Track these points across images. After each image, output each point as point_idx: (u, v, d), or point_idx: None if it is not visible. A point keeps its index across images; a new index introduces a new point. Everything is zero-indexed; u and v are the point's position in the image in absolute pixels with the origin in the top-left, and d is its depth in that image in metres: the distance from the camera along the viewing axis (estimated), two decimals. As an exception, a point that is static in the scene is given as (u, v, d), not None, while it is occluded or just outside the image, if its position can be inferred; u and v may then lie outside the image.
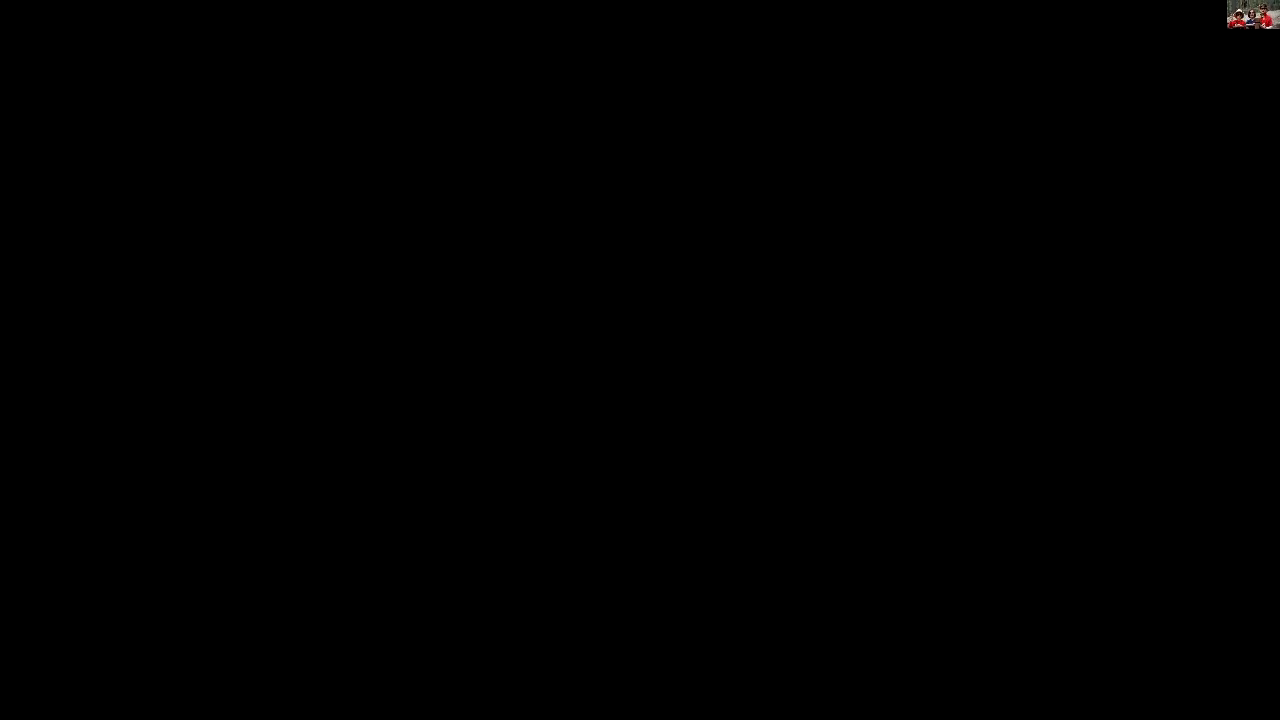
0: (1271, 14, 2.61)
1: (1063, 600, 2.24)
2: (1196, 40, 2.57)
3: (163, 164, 2.31)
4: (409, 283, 2.31)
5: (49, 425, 2.28)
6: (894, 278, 2.29)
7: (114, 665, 2.24)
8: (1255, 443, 2.26)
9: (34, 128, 2.29)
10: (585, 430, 2.28)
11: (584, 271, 2.30)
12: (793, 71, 2.30)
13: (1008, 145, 2.37)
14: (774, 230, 2.30)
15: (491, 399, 2.29)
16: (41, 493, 2.26)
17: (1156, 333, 2.32)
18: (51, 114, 2.30)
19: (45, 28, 2.29)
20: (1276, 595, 2.20)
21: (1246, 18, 2.60)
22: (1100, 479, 2.28)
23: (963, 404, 2.29)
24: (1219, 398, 2.29)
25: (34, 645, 2.23)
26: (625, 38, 2.30)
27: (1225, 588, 2.23)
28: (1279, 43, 2.56)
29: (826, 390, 2.29)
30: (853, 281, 2.29)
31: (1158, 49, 2.55)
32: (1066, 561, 2.25)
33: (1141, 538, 2.26)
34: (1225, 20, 2.59)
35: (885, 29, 2.33)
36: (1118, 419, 2.29)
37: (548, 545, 2.27)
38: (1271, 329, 2.29)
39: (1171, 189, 2.42)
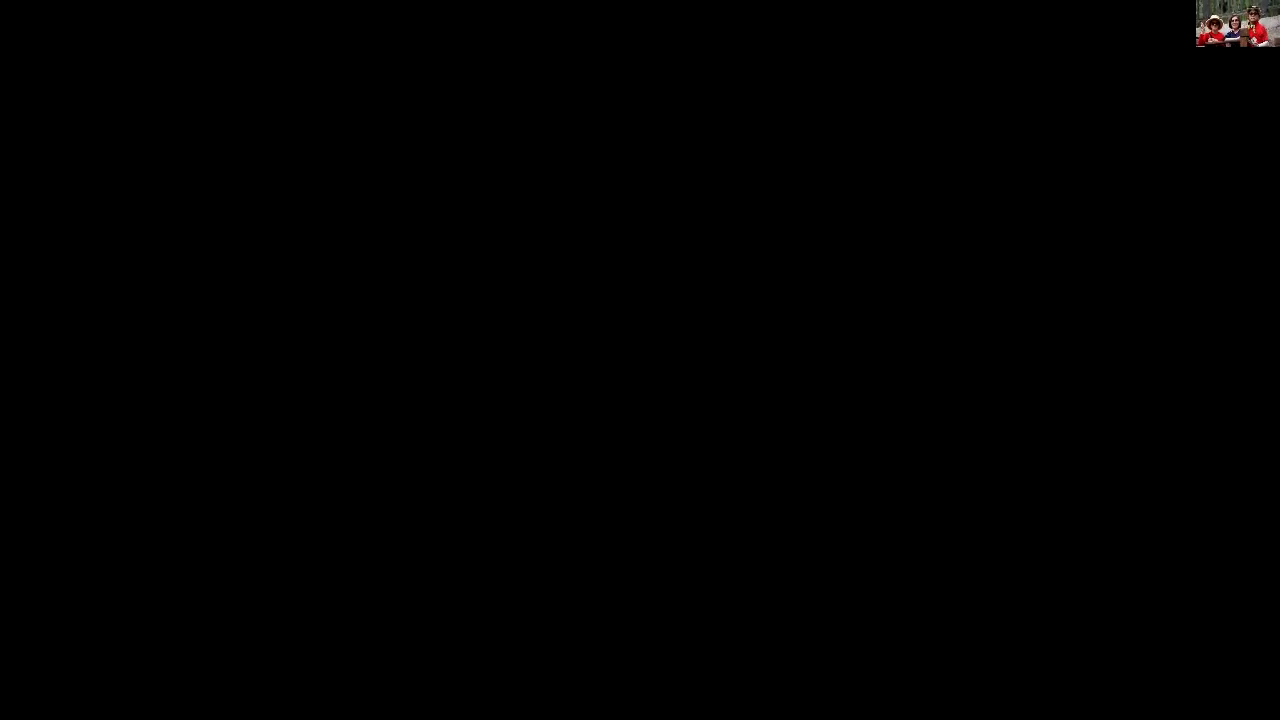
0: (1267, 22, 1.86)
1: (1061, 600, 2.18)
2: (1155, 69, 1.88)
3: (161, 164, 2.31)
4: (408, 283, 2.29)
5: (49, 426, 2.28)
6: (860, 286, 2.23)
7: (113, 664, 2.24)
8: (1233, 447, 2.16)
9: (33, 128, 2.30)
10: (584, 430, 2.26)
11: (583, 272, 2.27)
12: (769, 90, 2.24)
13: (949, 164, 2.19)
14: (767, 231, 2.24)
15: (490, 399, 2.28)
16: (41, 493, 2.27)
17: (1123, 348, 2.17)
18: (51, 114, 2.31)
19: (45, 28, 2.31)
20: (1276, 595, 2.14)
21: (1227, 29, 1.87)
22: (1087, 480, 2.18)
23: (950, 405, 2.21)
24: (1177, 410, 2.16)
25: (33, 645, 2.24)
26: (624, 38, 2.26)
27: (1225, 587, 2.15)
28: (1266, 68, 1.82)
29: (822, 390, 2.23)
30: (834, 282, 2.24)
31: (1112, 74, 1.90)
32: (1065, 561, 2.18)
33: (1139, 537, 2.17)
34: (1194, 37, 1.87)
35: (838, 61, 2.20)
36: (1084, 426, 2.18)
37: (546, 545, 2.26)
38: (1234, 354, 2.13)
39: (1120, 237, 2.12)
